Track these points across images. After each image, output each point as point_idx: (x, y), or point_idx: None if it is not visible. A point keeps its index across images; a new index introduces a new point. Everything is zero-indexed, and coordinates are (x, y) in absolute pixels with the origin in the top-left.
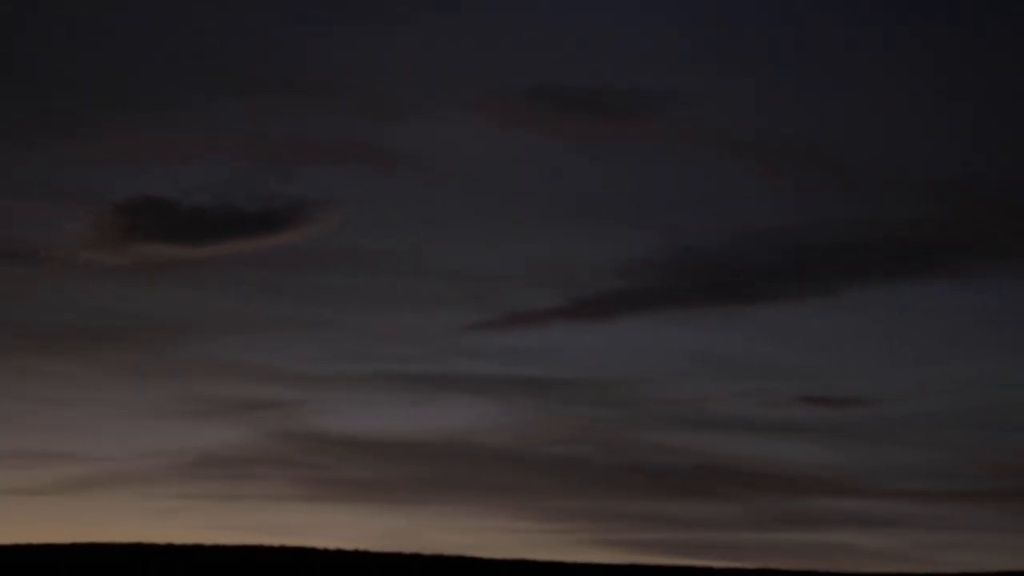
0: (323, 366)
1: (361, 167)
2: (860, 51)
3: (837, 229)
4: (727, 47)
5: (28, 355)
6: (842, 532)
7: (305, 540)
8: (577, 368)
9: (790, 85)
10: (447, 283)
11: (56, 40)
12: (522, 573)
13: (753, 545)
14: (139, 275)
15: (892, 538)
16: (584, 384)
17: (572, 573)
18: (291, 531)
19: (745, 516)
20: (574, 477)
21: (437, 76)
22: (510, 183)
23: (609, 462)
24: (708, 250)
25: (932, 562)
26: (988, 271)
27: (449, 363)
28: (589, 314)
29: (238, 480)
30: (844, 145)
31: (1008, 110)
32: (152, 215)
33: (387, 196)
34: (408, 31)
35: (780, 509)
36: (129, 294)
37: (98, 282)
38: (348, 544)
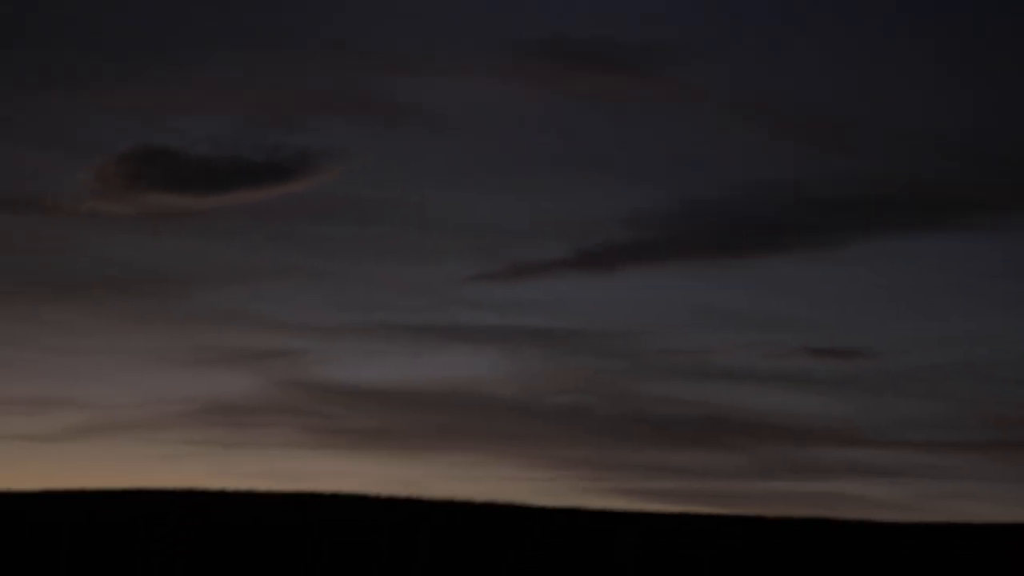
0: (328, 316)
1: (367, 118)
2: (865, 6)
3: (842, 183)
4: (734, 2)
5: (33, 303)
6: (847, 482)
7: (311, 488)
8: (582, 319)
9: (796, 40)
10: (452, 234)
11: None
12: (529, 519)
13: (758, 494)
14: (144, 225)
15: (896, 488)
16: (589, 335)
17: (572, 519)
18: (297, 479)
19: (750, 466)
20: (579, 427)
21: (443, 28)
22: (515, 135)
23: (614, 412)
24: (713, 203)
25: (936, 512)
26: (994, 225)
27: (454, 314)
28: (594, 266)
29: (244, 428)
30: (849, 100)
31: (1013, 63)
32: (158, 165)
33: (393, 147)
34: None
35: (785, 459)
36: (134, 244)
37: (103, 232)
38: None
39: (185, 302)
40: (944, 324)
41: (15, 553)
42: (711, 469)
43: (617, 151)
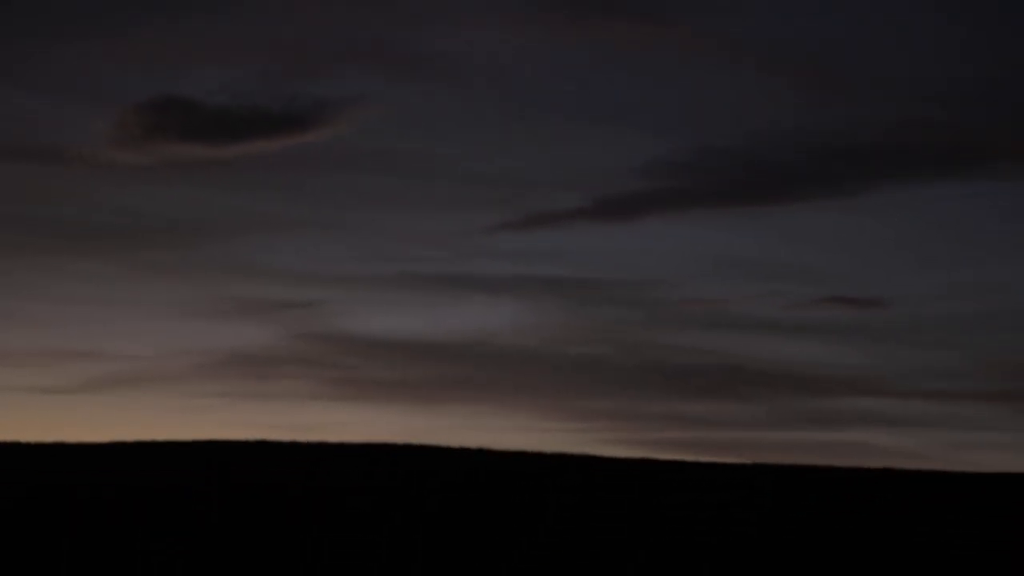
0: (347, 267)
1: (386, 68)
2: None
3: (858, 132)
4: None
5: (53, 254)
6: (863, 431)
7: (331, 438)
8: (600, 269)
9: None
10: (471, 185)
11: None
12: (542, 465)
13: (774, 444)
14: (163, 175)
15: (912, 437)
16: (607, 285)
17: (589, 465)
18: (317, 429)
19: (767, 415)
20: (597, 377)
21: None
22: (532, 85)
23: (631, 363)
24: (730, 152)
25: (951, 461)
26: (1010, 173)
27: (472, 264)
28: (612, 215)
29: (264, 379)
30: (867, 48)
31: None
32: (176, 115)
33: (410, 98)
34: None
35: (801, 409)
36: (153, 194)
37: (122, 181)
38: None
39: (204, 253)
40: (962, 272)
41: (31, 505)
42: (728, 419)
43: (634, 100)
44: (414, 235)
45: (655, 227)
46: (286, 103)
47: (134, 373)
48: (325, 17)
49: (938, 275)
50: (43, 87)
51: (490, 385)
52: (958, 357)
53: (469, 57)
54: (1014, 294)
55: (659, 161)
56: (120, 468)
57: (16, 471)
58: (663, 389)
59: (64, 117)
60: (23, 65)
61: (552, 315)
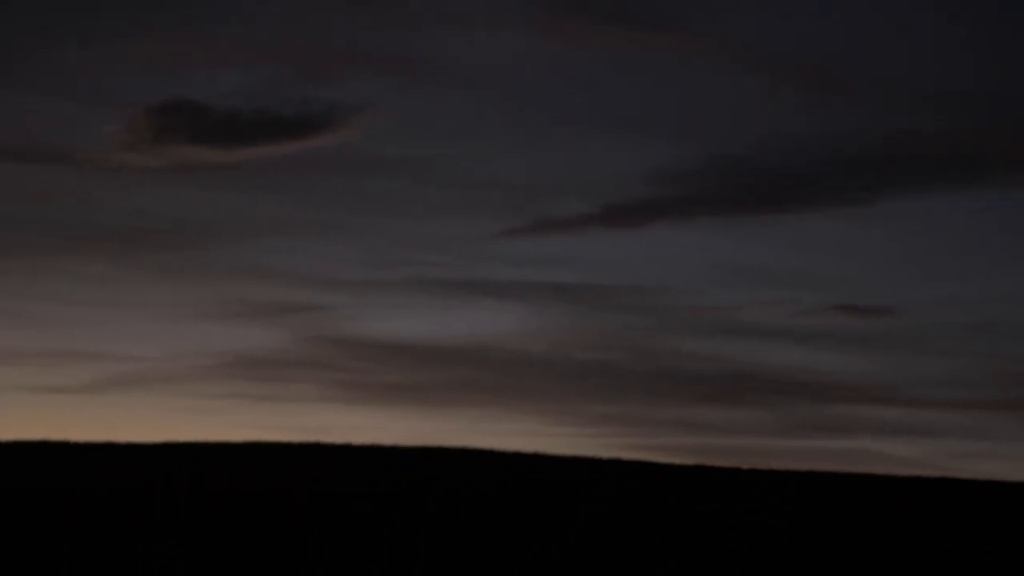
0: (355, 271)
1: (396, 73)
2: None
3: (869, 139)
4: None
5: (61, 256)
6: (872, 440)
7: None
8: (609, 275)
9: None
10: (480, 190)
11: None
12: (551, 467)
13: (783, 452)
14: (172, 178)
15: (922, 446)
16: (616, 291)
17: (596, 468)
18: (325, 433)
19: (775, 423)
20: (606, 383)
21: None
22: (541, 90)
23: (639, 369)
24: (739, 158)
25: (961, 470)
26: (1021, 183)
27: (480, 270)
28: (621, 221)
29: (271, 383)
30: (876, 55)
31: None
32: (186, 118)
33: (420, 102)
34: None
35: (810, 417)
36: (162, 196)
37: (132, 184)
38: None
39: (213, 256)
40: (970, 282)
41: (35, 505)
42: (736, 426)
43: (642, 106)
44: (423, 240)
45: (663, 234)
46: (297, 107)
47: (140, 374)
48: (336, 21)
49: (950, 283)
50: (52, 89)
51: (498, 390)
52: (967, 366)
53: (478, 63)
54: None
55: (667, 168)
56: (118, 469)
57: (21, 471)
58: (672, 395)
59: (74, 119)
60: (31, 67)
61: (560, 321)
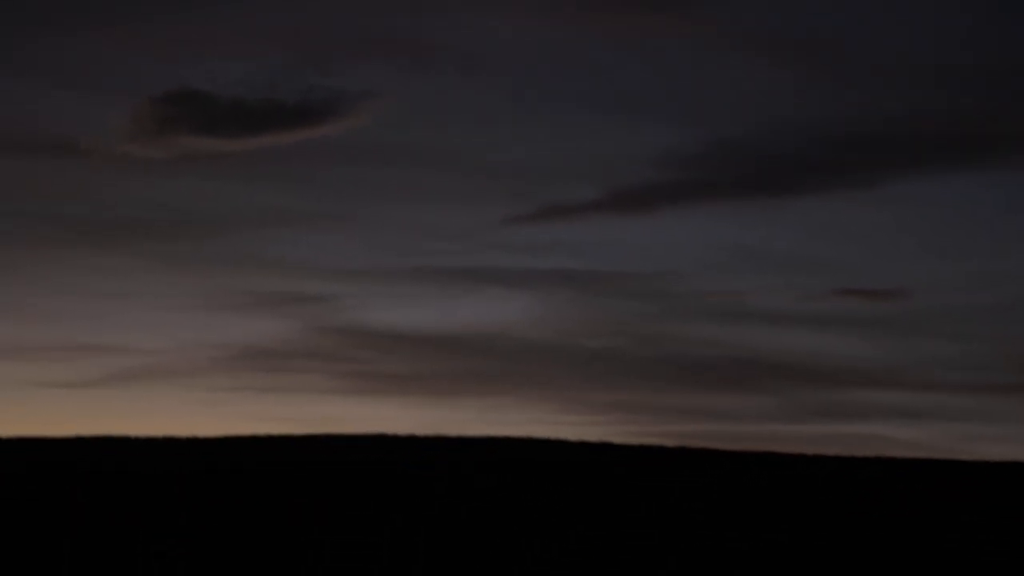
0: (362, 260)
1: (400, 60)
2: None
3: (873, 122)
4: None
5: (68, 247)
6: (879, 424)
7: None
8: (615, 261)
9: None
10: (485, 177)
11: None
12: (557, 452)
13: (790, 437)
14: (178, 168)
15: (928, 430)
16: (622, 277)
17: (599, 453)
18: (332, 423)
19: (782, 408)
20: (612, 370)
21: None
22: (546, 75)
23: (646, 355)
24: (745, 143)
25: (967, 453)
26: None
27: (487, 257)
28: (627, 207)
29: (280, 373)
30: (878, 38)
31: None
32: (191, 108)
33: (425, 89)
34: None
35: (817, 401)
36: (169, 187)
37: (138, 175)
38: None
39: (220, 246)
40: (978, 264)
41: (50, 497)
42: (744, 412)
43: (648, 91)
44: (429, 228)
45: (669, 219)
46: (301, 96)
47: (150, 368)
48: (341, 10)
49: (955, 266)
50: (57, 81)
51: (505, 378)
52: (975, 349)
53: (482, 50)
54: None
55: (673, 153)
56: (134, 461)
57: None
58: (679, 382)
59: (79, 111)
60: (37, 58)
61: (567, 308)
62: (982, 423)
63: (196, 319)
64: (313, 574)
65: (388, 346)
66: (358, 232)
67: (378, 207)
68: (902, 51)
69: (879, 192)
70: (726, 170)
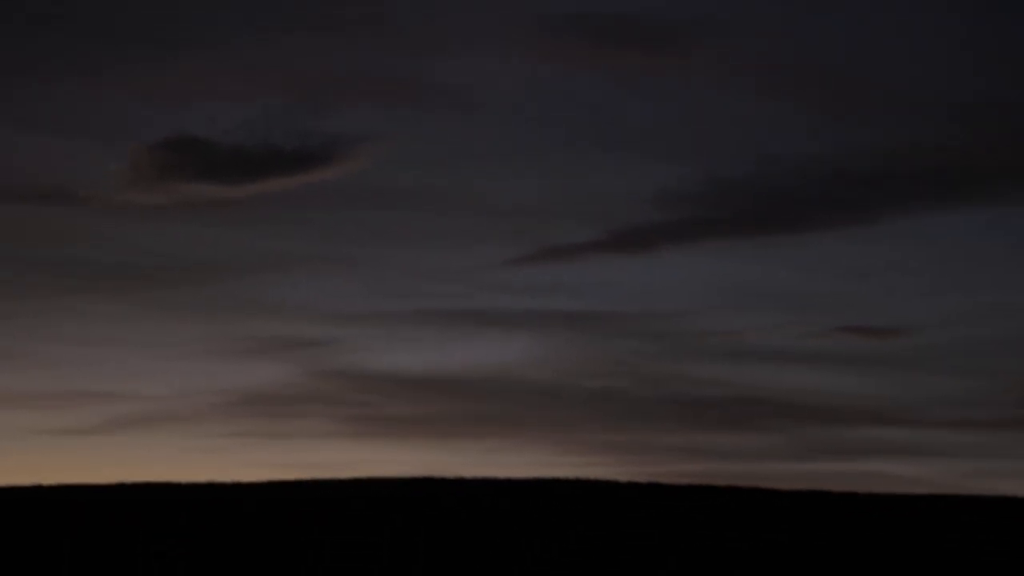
0: (363, 304)
1: (398, 103)
2: None
3: (873, 157)
4: None
5: (68, 295)
6: (882, 462)
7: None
8: (615, 301)
9: (822, 13)
10: (485, 218)
11: None
12: (556, 492)
13: (793, 475)
14: (178, 214)
15: (932, 467)
16: (623, 317)
17: (601, 492)
18: (335, 468)
19: (785, 447)
20: (614, 411)
21: (472, 10)
22: (543, 115)
23: (648, 395)
24: (743, 181)
25: (972, 490)
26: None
27: (487, 299)
28: (627, 247)
29: (281, 418)
30: (878, 73)
31: None
32: (190, 154)
33: (424, 132)
34: None
35: (820, 439)
36: (168, 233)
37: (137, 221)
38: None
39: (220, 292)
40: (980, 299)
41: (52, 542)
42: (745, 451)
43: (647, 130)
44: (429, 270)
45: (669, 259)
46: (300, 140)
47: (150, 415)
48: (336, 54)
49: (957, 302)
50: (56, 129)
51: (505, 419)
52: (978, 385)
53: (480, 90)
54: None
55: (672, 191)
56: (139, 508)
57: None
58: (680, 421)
59: (80, 158)
60: (35, 106)
61: (567, 348)
62: (986, 458)
63: (196, 365)
64: (313, 574)
65: (388, 389)
66: (358, 275)
67: (377, 250)
68: (902, 86)
69: (879, 228)
70: (725, 208)
